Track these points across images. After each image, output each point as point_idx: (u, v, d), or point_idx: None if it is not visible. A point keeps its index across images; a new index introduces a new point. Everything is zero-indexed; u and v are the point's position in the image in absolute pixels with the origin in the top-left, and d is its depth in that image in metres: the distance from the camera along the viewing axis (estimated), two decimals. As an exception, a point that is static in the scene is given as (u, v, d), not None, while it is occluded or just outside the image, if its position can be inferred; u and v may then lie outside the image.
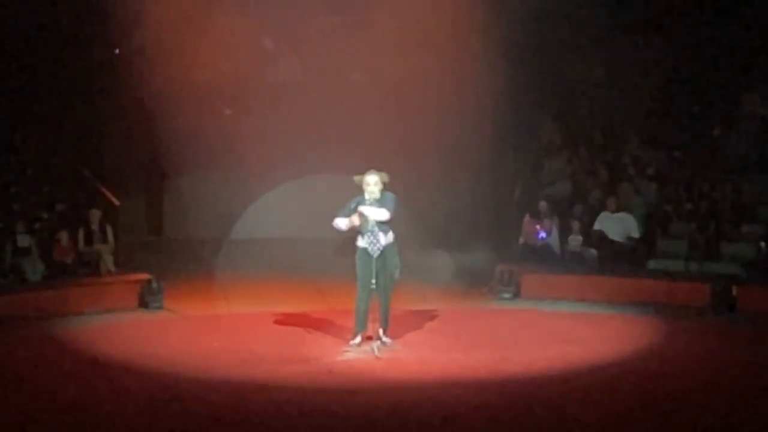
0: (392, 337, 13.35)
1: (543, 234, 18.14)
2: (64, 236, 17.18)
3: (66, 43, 20.30)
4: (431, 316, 15.41)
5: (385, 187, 12.89)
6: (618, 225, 18.04)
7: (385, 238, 12.83)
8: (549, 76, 21.01)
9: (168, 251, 20.51)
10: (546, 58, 20.81)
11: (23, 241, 16.91)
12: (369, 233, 12.83)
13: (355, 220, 12.79)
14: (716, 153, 20.19)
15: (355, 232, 12.95)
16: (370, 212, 12.75)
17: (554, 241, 18.20)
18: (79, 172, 20.27)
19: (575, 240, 18.17)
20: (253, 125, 20.66)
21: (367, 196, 12.82)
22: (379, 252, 12.82)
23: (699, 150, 20.31)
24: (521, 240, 18.42)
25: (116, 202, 19.12)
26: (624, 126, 21.43)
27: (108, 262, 17.32)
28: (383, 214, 12.74)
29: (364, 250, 12.91)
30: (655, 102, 21.34)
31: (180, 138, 20.30)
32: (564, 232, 18.33)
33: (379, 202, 12.80)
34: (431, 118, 19.15)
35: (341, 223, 12.88)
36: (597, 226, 18.18)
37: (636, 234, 18.02)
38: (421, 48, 19.34)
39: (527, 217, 18.47)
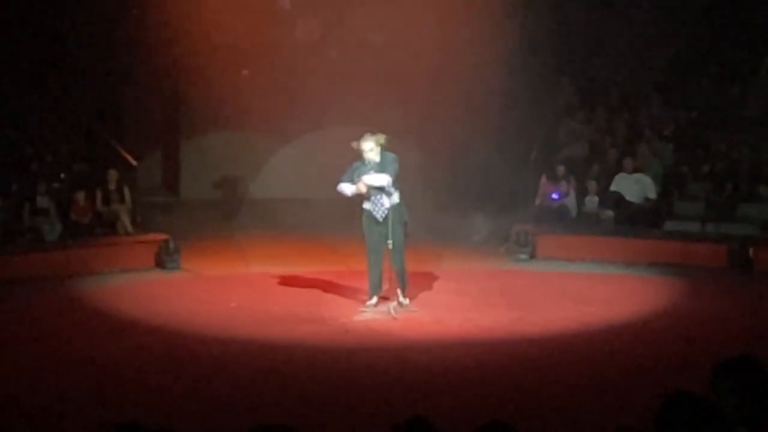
0: (409, 298, 13.35)
1: (557, 195, 18.09)
2: (81, 196, 17.21)
3: (83, 2, 20.23)
4: (447, 276, 15.41)
5: (384, 148, 12.82)
6: (635, 186, 17.97)
7: (390, 200, 12.77)
8: (566, 36, 20.88)
9: (185, 211, 20.52)
10: (563, 17, 20.69)
11: (42, 202, 16.96)
12: (373, 197, 12.81)
13: (362, 188, 12.74)
14: (734, 113, 20.08)
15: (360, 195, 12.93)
16: (372, 180, 12.70)
17: (571, 202, 18.16)
18: (96, 133, 20.26)
19: (592, 201, 18.13)
20: (271, 86, 20.60)
21: (366, 161, 12.79)
22: (384, 214, 12.80)
23: (716, 110, 20.20)
24: (538, 201, 18.38)
25: (134, 162, 19.14)
26: (641, 86, 21.31)
27: (125, 222, 17.34)
28: (383, 180, 12.67)
29: (369, 213, 12.91)
30: (672, 62, 21.22)
31: (197, 98, 20.29)
32: (581, 193, 18.29)
33: (380, 165, 12.74)
34: (448, 79, 19.10)
35: (346, 189, 12.85)
36: (614, 187, 18.11)
37: (653, 195, 17.95)
38: (439, 9, 19.27)
39: (544, 178, 18.42)
